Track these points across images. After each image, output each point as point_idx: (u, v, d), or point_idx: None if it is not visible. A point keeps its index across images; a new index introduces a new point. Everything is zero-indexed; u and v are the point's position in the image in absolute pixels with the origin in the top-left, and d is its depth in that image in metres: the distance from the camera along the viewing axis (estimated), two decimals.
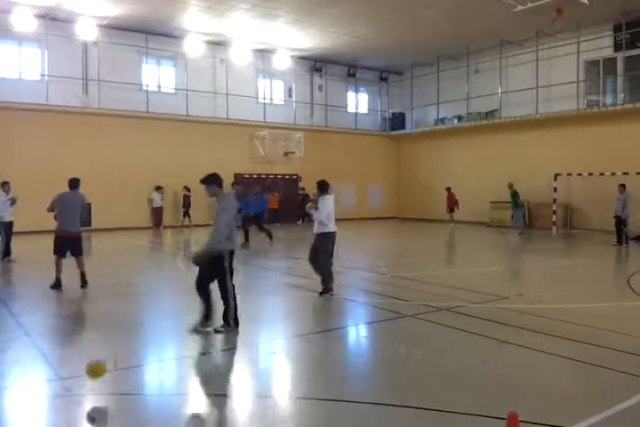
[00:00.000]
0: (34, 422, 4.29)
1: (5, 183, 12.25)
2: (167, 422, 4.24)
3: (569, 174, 20.38)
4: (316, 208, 8.80)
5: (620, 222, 16.14)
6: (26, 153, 19.04)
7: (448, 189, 23.90)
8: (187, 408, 4.54)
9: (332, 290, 8.84)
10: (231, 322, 6.54)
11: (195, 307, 6.67)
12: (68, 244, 9.27)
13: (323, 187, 9.03)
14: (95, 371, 4.33)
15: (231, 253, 6.55)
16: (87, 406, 4.41)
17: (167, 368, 5.63)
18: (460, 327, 6.84)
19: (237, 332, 6.56)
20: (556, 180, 20.66)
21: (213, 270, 6.51)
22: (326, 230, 8.82)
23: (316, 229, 8.92)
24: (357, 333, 7.20)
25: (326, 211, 8.77)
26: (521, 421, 3.45)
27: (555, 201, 20.78)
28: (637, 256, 14.82)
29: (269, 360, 5.90)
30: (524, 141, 22.72)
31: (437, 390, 4.79)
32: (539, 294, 9.06)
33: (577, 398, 4.72)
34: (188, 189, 21.80)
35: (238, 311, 6.66)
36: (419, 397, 4.61)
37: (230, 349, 6.29)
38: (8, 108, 18.98)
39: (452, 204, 23.84)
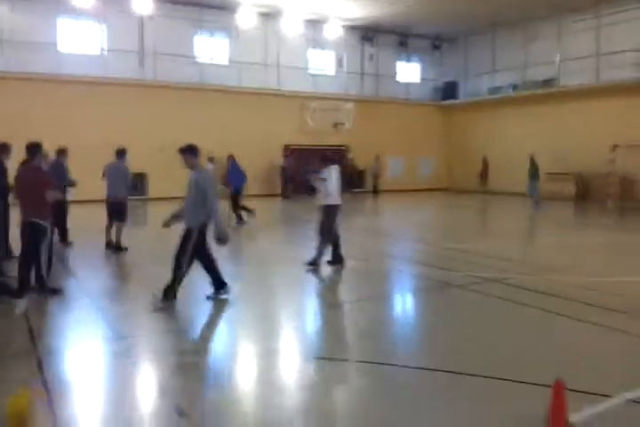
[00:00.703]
0: (98, 377, 4.73)
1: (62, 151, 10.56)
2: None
3: (628, 146, 19.72)
4: (323, 179, 8.66)
5: None
6: (85, 124, 19.71)
7: (484, 159, 25.15)
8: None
9: (317, 264, 8.67)
10: (171, 295, 6.41)
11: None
12: (112, 209, 10.18)
13: (325, 159, 8.91)
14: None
15: (202, 229, 6.47)
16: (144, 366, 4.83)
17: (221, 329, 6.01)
18: (507, 298, 6.97)
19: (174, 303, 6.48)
20: (614, 151, 20.04)
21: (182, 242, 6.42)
22: (334, 202, 8.71)
23: (323, 200, 8.75)
24: (404, 301, 7.43)
25: (332, 182, 8.64)
26: (567, 389, 3.60)
27: (611, 173, 20.20)
28: None
29: (317, 325, 6.22)
30: (583, 111, 22.03)
31: (484, 358, 4.98)
32: (593, 267, 9.05)
33: (624, 368, 4.82)
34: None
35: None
36: (465, 363, 4.80)
37: (270, 316, 6.62)
38: (69, 82, 19.67)
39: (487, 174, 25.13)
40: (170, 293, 6.37)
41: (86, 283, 7.95)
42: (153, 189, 21.11)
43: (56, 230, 8.92)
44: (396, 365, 4.85)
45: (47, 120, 18.68)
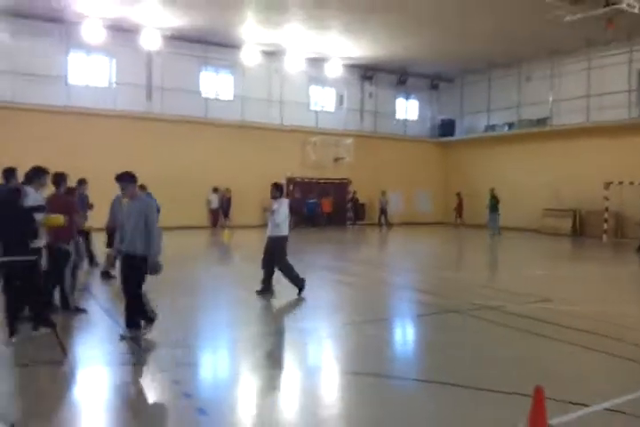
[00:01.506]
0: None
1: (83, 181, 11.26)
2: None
3: (620, 183, 20.30)
4: (273, 211, 8.72)
5: None
6: (93, 155, 20.22)
7: (458, 194, 26.07)
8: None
9: (303, 288, 8.91)
10: (143, 321, 6.28)
11: None
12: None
13: (279, 189, 8.94)
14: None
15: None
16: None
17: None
18: (500, 322, 7.33)
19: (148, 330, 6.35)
20: (607, 188, 20.60)
21: (132, 274, 6.12)
22: (281, 234, 8.78)
23: (271, 232, 8.81)
24: (406, 323, 7.79)
25: (284, 214, 8.71)
26: (548, 398, 3.95)
27: (606, 210, 20.71)
28: None
29: (327, 344, 6.57)
30: (575, 149, 22.72)
31: (476, 373, 5.35)
32: (580, 297, 9.43)
33: (600, 382, 5.17)
34: (228, 191, 22.93)
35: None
36: (458, 377, 5.15)
37: (277, 333, 6.96)
38: (79, 113, 20.32)
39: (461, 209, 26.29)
40: (147, 317, 6.28)
41: (104, 302, 8.31)
42: (160, 218, 21.45)
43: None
44: (397, 377, 5.21)
45: (56, 150, 19.15)
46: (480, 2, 17.34)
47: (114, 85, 21.60)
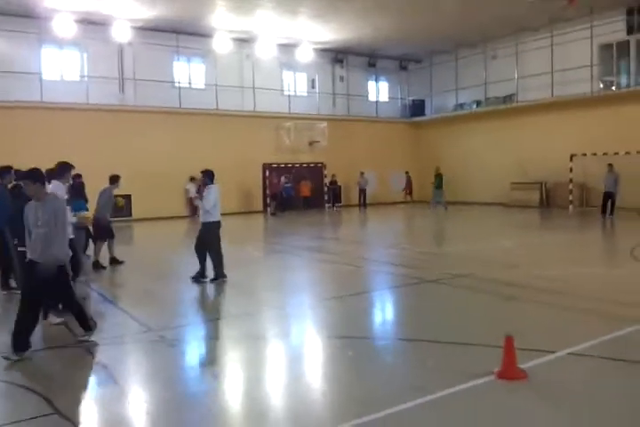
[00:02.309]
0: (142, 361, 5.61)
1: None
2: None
3: (584, 155, 21.17)
4: (202, 198, 8.91)
5: (609, 197, 18.49)
6: (68, 149, 20.28)
7: (407, 173, 27.02)
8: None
9: (225, 276, 8.99)
10: (92, 324, 5.93)
11: None
12: (103, 229, 10.87)
13: (209, 176, 9.05)
14: None
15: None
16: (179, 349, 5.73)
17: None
18: (471, 287, 8.02)
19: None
20: (571, 160, 21.48)
21: (57, 283, 5.57)
22: (212, 219, 8.90)
23: (202, 218, 8.97)
24: (386, 294, 8.44)
25: (213, 200, 8.82)
26: (518, 348, 4.60)
27: (571, 181, 21.62)
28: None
29: (319, 312, 7.18)
30: (541, 124, 23.53)
31: (453, 331, 6.01)
32: (547, 262, 10.18)
33: (564, 333, 5.86)
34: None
35: None
36: (437, 335, 5.81)
37: (279, 307, 7.56)
38: (51, 108, 20.40)
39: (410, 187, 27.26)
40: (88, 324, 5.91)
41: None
42: (137, 210, 21.77)
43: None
44: (381, 338, 5.85)
45: (31, 146, 19.27)
46: None
47: (86, 79, 21.67)
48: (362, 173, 26.46)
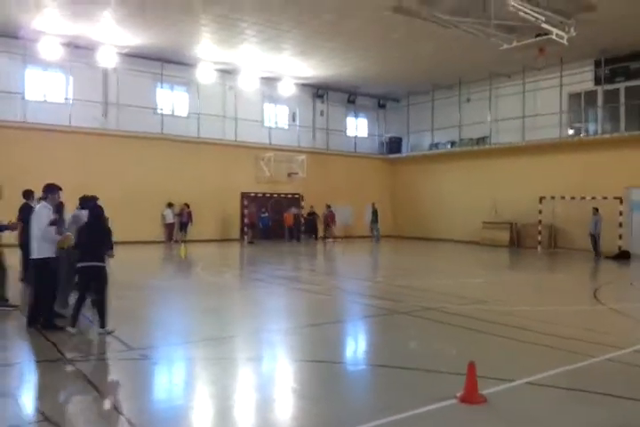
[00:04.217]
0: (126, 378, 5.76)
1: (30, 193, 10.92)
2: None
3: (552, 197, 21.97)
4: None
5: (595, 239, 19.19)
6: (48, 170, 20.33)
7: (328, 206, 26.72)
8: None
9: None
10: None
11: None
12: None
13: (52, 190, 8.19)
14: None
15: None
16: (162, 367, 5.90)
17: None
18: (440, 321, 8.34)
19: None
20: (540, 202, 22.24)
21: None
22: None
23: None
24: (358, 323, 8.70)
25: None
26: (480, 376, 4.91)
27: (540, 222, 22.33)
28: (606, 271, 16.34)
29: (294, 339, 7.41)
30: (512, 166, 24.39)
31: (418, 359, 6.29)
32: (512, 300, 10.58)
33: (523, 364, 6.19)
34: (187, 205, 23.48)
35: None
36: (403, 362, 6.08)
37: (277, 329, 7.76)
38: (34, 129, 20.53)
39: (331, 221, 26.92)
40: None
41: None
42: (113, 233, 21.70)
43: None
44: (351, 363, 6.09)
45: (12, 166, 19.28)
46: (424, 29, 18.62)
47: (70, 101, 21.90)
48: (328, 206, 26.71)
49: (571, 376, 5.73)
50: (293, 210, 26.09)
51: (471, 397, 4.82)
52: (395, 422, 4.38)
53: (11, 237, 9.71)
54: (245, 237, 24.53)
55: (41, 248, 7.44)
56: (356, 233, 28.70)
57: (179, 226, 23.82)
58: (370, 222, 27.14)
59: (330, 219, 26.64)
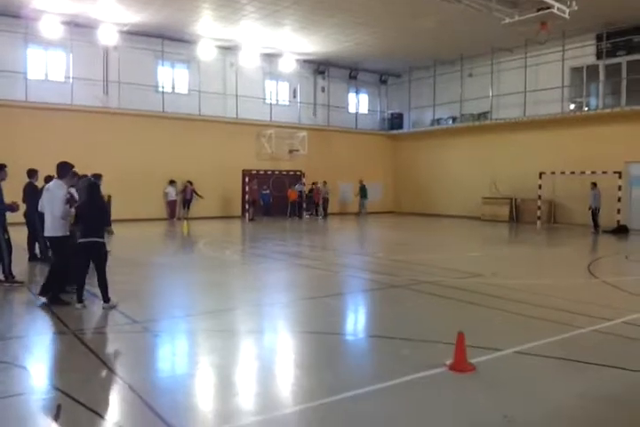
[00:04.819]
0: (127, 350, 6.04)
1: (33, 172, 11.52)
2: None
3: (553, 173, 22.04)
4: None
5: (594, 213, 19.34)
6: (50, 149, 20.52)
7: (325, 183, 26.86)
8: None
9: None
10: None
11: None
12: None
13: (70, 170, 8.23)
14: None
15: None
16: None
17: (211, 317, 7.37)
18: (436, 293, 8.58)
19: None
20: (540, 177, 22.32)
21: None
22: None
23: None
24: (357, 296, 8.95)
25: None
26: (469, 345, 5.14)
27: (539, 197, 22.45)
28: (603, 245, 16.53)
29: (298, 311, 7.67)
30: (512, 141, 24.41)
31: (413, 330, 6.53)
32: (508, 273, 10.81)
33: (513, 335, 6.43)
34: (190, 182, 23.69)
35: None
36: (397, 333, 6.33)
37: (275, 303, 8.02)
38: (35, 108, 20.63)
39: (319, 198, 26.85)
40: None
41: None
42: (116, 211, 21.96)
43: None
44: (349, 334, 6.35)
45: (15, 144, 19.50)
46: (426, 4, 18.51)
47: (71, 80, 21.92)
48: (324, 182, 26.81)
49: (558, 346, 5.96)
50: (298, 187, 26.27)
51: (460, 365, 5.05)
52: (386, 388, 4.63)
53: (15, 216, 9.90)
54: (247, 213, 24.72)
55: (55, 227, 7.66)
56: (355, 209, 28.83)
57: (182, 203, 24.07)
58: (360, 198, 27.94)
59: (315, 195, 26.93)
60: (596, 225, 19.38)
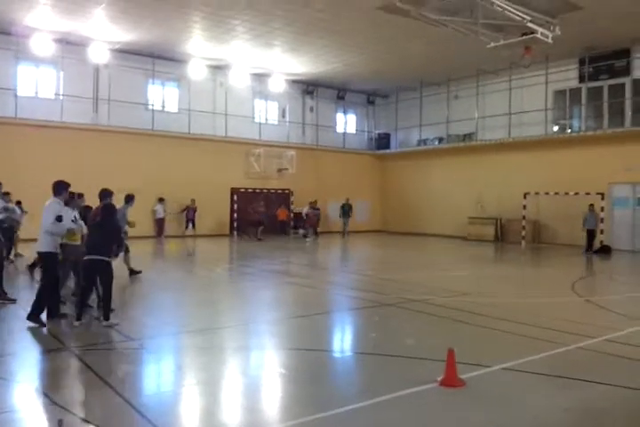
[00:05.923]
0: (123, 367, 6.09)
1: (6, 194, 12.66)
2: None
3: (537, 193, 22.44)
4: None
5: (590, 234, 19.61)
6: (39, 166, 20.52)
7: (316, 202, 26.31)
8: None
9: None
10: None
11: None
12: None
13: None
14: None
15: None
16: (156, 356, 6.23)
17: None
18: (424, 311, 8.72)
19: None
20: (525, 198, 22.70)
21: None
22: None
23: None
24: (346, 314, 9.06)
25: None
26: (459, 362, 5.28)
27: (524, 217, 22.81)
28: (587, 265, 16.82)
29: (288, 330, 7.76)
30: (498, 162, 24.84)
31: (403, 347, 6.66)
32: (494, 292, 10.99)
33: (500, 352, 6.57)
34: (193, 201, 23.81)
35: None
36: (388, 350, 6.45)
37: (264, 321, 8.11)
38: (25, 125, 20.65)
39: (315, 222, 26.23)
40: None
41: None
42: None
43: None
44: (338, 351, 6.45)
45: (3, 161, 19.43)
46: (413, 27, 18.93)
47: (61, 97, 22.04)
48: (315, 202, 26.59)
49: (544, 363, 6.12)
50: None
51: (451, 380, 5.19)
52: (378, 404, 4.74)
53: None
54: (238, 232, 24.88)
55: (44, 242, 7.72)
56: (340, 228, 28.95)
57: (186, 222, 24.17)
58: (342, 217, 26.76)
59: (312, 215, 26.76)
60: (589, 246, 19.48)
